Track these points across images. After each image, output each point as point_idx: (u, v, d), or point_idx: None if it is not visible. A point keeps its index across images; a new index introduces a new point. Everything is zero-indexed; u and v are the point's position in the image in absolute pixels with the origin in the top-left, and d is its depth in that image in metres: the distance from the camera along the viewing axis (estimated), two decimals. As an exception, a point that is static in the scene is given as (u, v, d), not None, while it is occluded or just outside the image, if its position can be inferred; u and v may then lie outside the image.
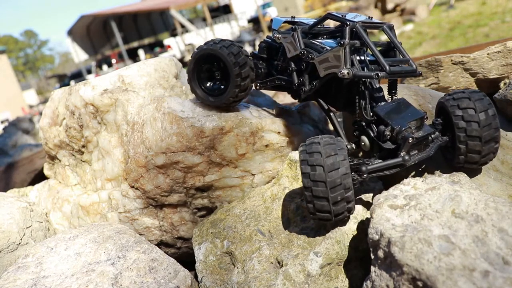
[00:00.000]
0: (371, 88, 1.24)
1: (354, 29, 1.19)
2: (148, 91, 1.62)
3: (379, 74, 1.11)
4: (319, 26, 1.34)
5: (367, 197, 1.26)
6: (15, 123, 5.32)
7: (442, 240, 0.82)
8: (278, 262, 1.17)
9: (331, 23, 1.48)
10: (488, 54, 1.53)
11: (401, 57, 1.23)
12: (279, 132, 1.48)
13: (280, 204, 1.35)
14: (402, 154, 1.10)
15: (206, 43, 1.41)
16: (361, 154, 1.40)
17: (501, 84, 1.53)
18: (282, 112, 1.66)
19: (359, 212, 1.22)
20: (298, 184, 1.41)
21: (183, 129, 1.41)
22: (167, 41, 22.36)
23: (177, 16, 18.34)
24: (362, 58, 1.24)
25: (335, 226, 1.19)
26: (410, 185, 1.05)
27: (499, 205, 0.89)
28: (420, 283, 0.79)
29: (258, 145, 1.46)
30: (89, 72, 22.47)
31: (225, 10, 24.39)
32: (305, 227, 1.23)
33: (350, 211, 1.09)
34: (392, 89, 1.28)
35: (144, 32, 27.41)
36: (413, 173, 1.29)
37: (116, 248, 1.25)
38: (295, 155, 1.46)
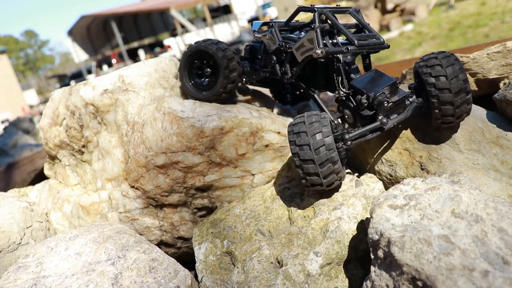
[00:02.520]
0: (345, 63, 1.34)
1: (322, 14, 1.31)
2: (148, 91, 1.62)
3: (349, 48, 1.22)
4: (293, 21, 1.46)
5: (367, 197, 1.26)
6: (16, 123, 5.33)
7: (442, 240, 0.83)
8: (278, 262, 1.17)
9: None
10: (487, 54, 1.53)
11: (367, 33, 1.35)
12: (279, 132, 1.48)
13: (280, 204, 1.35)
14: (379, 117, 1.19)
15: (198, 41, 1.55)
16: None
17: (501, 84, 1.53)
18: (282, 112, 1.66)
19: (359, 212, 1.22)
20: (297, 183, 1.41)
21: (183, 129, 1.42)
22: (167, 41, 22.36)
23: (177, 16, 18.34)
24: (335, 41, 1.34)
25: (335, 225, 1.19)
26: (410, 185, 1.05)
27: (499, 205, 0.89)
28: (419, 283, 0.79)
29: (258, 145, 1.46)
30: (89, 72, 22.46)
31: (225, 10, 24.41)
32: (305, 227, 1.23)
33: (341, 179, 1.20)
34: (367, 64, 1.39)
35: (144, 32, 27.41)
36: (413, 174, 1.29)
37: (116, 248, 1.25)
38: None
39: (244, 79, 1.60)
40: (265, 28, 1.54)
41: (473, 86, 1.61)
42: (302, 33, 1.43)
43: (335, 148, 1.12)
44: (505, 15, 7.61)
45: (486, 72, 1.54)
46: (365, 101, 1.22)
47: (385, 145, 1.36)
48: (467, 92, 1.17)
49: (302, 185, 1.26)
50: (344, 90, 1.31)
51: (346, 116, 1.32)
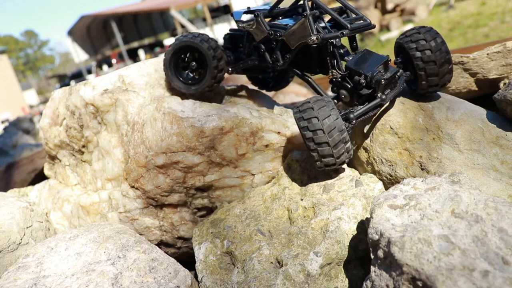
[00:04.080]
0: (337, 47, 1.40)
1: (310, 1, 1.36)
2: (148, 91, 1.62)
3: (344, 33, 1.28)
4: (276, 8, 1.50)
5: (367, 197, 1.26)
6: (16, 123, 5.33)
7: (442, 240, 0.83)
8: (278, 262, 1.17)
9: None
10: (487, 54, 1.53)
11: (354, 15, 1.40)
12: (279, 132, 1.48)
13: (280, 204, 1.35)
14: (379, 95, 1.27)
15: (184, 36, 1.55)
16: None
17: (501, 84, 1.53)
18: (282, 112, 1.66)
19: (359, 212, 1.22)
20: (298, 184, 1.41)
21: (183, 129, 1.42)
22: (167, 41, 22.32)
23: (177, 16, 18.33)
24: (323, 25, 1.39)
25: (335, 225, 1.19)
26: (410, 185, 1.05)
27: (499, 205, 0.89)
28: (419, 283, 0.79)
29: (258, 145, 1.46)
30: (89, 72, 22.43)
31: (225, 10, 24.36)
32: (305, 227, 1.23)
33: (350, 156, 1.27)
34: (354, 46, 1.44)
35: (144, 32, 27.40)
36: (413, 174, 1.29)
37: (116, 248, 1.25)
38: (295, 155, 1.47)
39: (229, 69, 1.61)
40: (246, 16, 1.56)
41: (473, 86, 1.62)
42: (285, 19, 1.47)
43: (345, 129, 1.18)
44: (505, 15, 7.61)
45: (486, 72, 1.54)
46: (363, 81, 1.28)
47: (385, 145, 1.37)
48: (450, 62, 1.28)
49: (316, 167, 1.29)
50: (340, 72, 1.37)
51: (343, 96, 1.37)
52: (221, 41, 1.76)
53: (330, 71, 1.39)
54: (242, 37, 1.61)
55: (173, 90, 1.66)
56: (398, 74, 1.32)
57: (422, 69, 1.28)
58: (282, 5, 1.50)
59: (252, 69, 1.72)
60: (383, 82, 1.25)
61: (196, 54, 1.55)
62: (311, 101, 1.21)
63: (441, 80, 1.29)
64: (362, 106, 1.27)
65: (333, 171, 1.38)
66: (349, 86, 1.33)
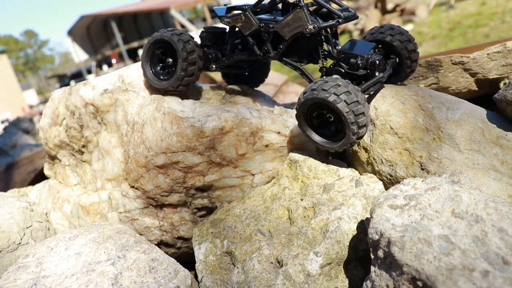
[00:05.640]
0: (329, 35, 1.47)
1: None
2: (148, 91, 1.62)
3: (340, 21, 1.36)
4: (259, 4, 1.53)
5: (367, 197, 1.26)
6: (15, 123, 5.33)
7: (442, 240, 0.82)
8: (278, 262, 1.17)
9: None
10: (488, 54, 1.53)
11: (339, 7, 1.48)
12: (279, 132, 1.48)
13: (280, 204, 1.35)
14: (377, 73, 1.38)
15: (159, 31, 1.56)
16: None
17: (501, 84, 1.53)
18: (282, 112, 1.66)
19: (359, 212, 1.22)
20: (298, 184, 1.41)
21: (183, 129, 1.42)
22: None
23: (177, 16, 18.33)
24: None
25: (335, 225, 1.19)
26: (410, 185, 1.05)
27: (499, 205, 0.89)
28: (420, 283, 0.79)
29: (258, 145, 1.46)
30: (89, 72, 22.44)
31: (225, 10, 24.32)
32: (305, 227, 1.23)
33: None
34: (336, 37, 1.50)
35: (144, 32, 27.41)
36: (413, 174, 1.29)
37: (116, 248, 1.25)
38: (295, 155, 1.47)
39: (213, 67, 1.61)
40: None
41: (473, 86, 1.62)
42: (262, 15, 1.51)
43: (366, 101, 1.27)
44: (505, 15, 7.61)
45: (486, 72, 1.54)
46: (360, 62, 1.37)
47: (385, 145, 1.37)
48: (414, 40, 1.48)
49: (350, 143, 1.30)
50: (336, 56, 1.44)
51: None
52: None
53: (321, 59, 1.45)
54: (222, 34, 1.62)
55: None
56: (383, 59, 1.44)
57: (404, 49, 1.46)
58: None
59: (230, 66, 1.72)
60: (377, 63, 1.36)
61: (171, 49, 1.55)
62: (329, 80, 1.25)
63: (417, 55, 1.47)
64: (363, 83, 1.36)
65: (334, 171, 1.39)
66: (343, 71, 1.41)
